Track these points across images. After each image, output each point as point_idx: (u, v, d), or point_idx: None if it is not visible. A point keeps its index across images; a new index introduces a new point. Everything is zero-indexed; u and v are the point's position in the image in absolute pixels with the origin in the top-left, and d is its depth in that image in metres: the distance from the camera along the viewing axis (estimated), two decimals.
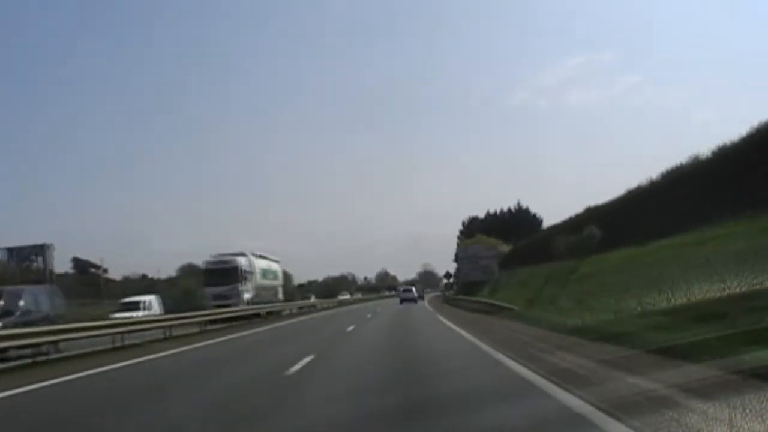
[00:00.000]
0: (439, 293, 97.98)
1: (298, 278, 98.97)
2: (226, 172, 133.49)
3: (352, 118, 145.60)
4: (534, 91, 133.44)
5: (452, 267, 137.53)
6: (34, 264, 38.91)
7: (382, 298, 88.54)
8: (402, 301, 52.48)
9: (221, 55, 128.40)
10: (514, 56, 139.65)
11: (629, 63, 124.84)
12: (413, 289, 62.67)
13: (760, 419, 4.38)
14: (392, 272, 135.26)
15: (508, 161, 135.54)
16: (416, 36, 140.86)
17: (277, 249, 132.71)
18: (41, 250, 38.40)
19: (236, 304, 32.33)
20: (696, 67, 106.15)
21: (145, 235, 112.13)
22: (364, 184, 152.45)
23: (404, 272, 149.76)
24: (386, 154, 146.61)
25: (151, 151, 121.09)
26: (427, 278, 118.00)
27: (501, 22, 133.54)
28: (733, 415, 4.55)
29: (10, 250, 39.05)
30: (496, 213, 76.62)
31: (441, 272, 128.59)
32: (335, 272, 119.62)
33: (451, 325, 20.11)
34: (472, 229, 71.19)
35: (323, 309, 50.03)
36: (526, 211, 73.80)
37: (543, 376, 7.28)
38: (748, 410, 4.59)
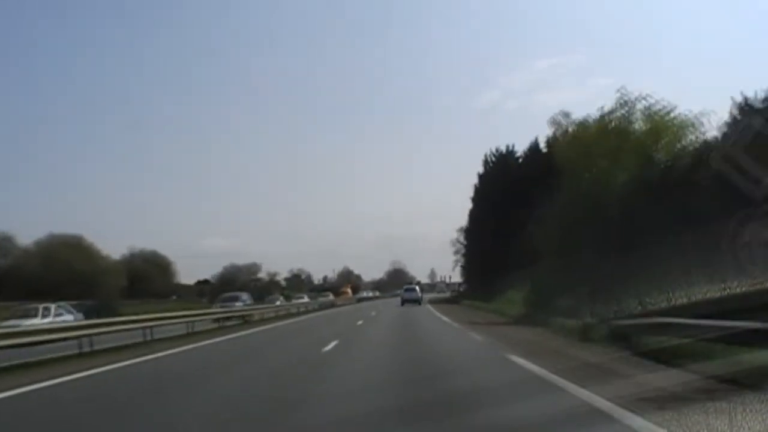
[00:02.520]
0: (438, 295, 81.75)
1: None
2: (195, 171, 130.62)
3: (322, 119, 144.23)
4: (504, 92, 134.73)
5: (428, 267, 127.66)
6: None
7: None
8: (404, 302, 46.94)
9: (193, 54, 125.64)
10: (484, 58, 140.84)
11: (600, 65, 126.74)
12: (417, 288, 55.76)
13: None
14: (357, 271, 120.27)
15: (478, 162, 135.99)
16: (388, 36, 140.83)
17: (242, 247, 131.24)
18: None
19: None
20: (666, 69, 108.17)
21: (112, 233, 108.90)
22: (334, 184, 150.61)
23: (371, 272, 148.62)
24: (356, 156, 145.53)
25: (120, 148, 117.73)
26: (398, 277, 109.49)
27: (472, 24, 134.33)
28: None
29: None
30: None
31: (413, 272, 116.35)
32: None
33: None
34: (497, 174, 43.43)
35: None
36: None
37: None
38: None
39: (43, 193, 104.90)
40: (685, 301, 9.45)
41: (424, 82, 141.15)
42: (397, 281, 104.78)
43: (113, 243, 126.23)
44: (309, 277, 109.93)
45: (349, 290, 77.75)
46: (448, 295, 73.21)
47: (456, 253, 67.38)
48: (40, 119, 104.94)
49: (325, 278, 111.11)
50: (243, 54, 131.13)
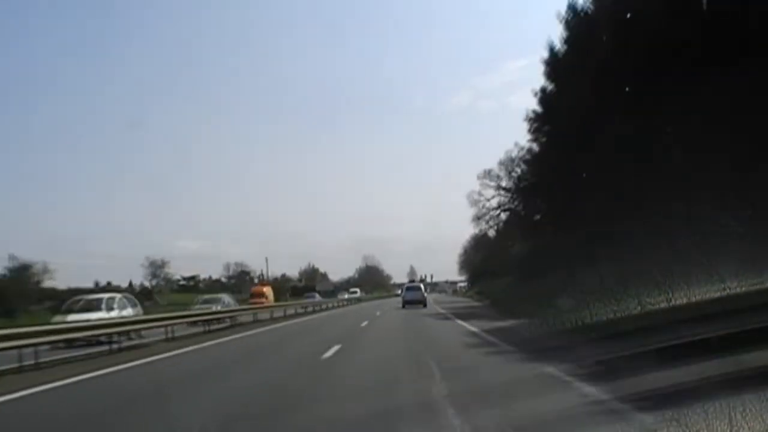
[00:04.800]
0: (442, 296, 70.11)
1: None
2: (165, 172, 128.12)
3: (294, 120, 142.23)
4: (477, 94, 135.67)
5: (404, 266, 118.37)
6: None
7: None
8: (405, 304, 39.55)
9: (154, 54, 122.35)
10: (457, 59, 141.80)
11: None
12: (421, 286, 47.07)
13: None
14: (323, 269, 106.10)
15: (451, 163, 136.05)
16: (360, 37, 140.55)
17: (212, 250, 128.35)
18: None
19: None
20: None
21: (77, 237, 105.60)
22: (307, 185, 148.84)
23: (341, 270, 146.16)
24: (328, 157, 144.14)
25: (86, 150, 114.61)
26: (371, 275, 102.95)
27: (445, 26, 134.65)
28: None
29: None
30: None
31: (389, 270, 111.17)
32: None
33: None
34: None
35: None
36: None
37: None
38: None
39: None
40: None
41: (398, 83, 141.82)
42: (369, 280, 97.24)
43: (88, 245, 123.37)
44: (261, 277, 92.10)
45: (267, 292, 47.30)
46: (468, 299, 54.76)
47: (479, 218, 43.11)
48: None
49: (282, 276, 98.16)
50: (217, 55, 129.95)
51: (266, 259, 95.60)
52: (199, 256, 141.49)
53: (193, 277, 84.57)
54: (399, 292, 73.55)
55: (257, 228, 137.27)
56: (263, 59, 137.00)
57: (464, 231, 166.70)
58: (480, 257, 56.96)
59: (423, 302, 39.46)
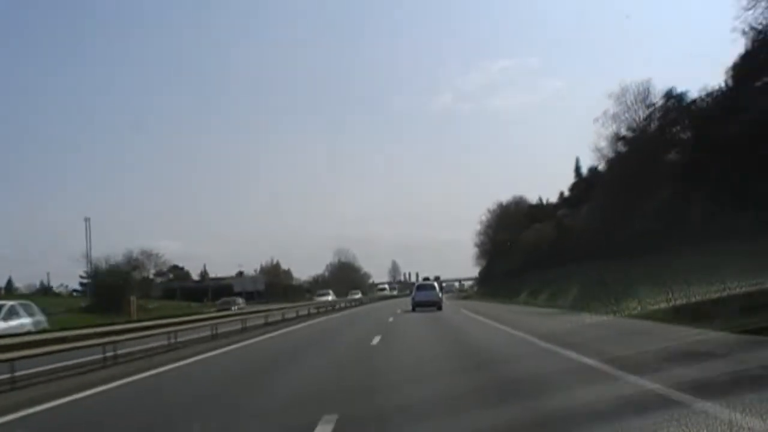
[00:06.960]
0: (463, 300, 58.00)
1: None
2: (146, 172, 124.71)
3: (276, 119, 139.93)
4: (457, 95, 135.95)
5: (385, 265, 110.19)
6: None
7: None
8: (415, 306, 34.94)
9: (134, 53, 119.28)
10: (438, 60, 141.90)
11: (553, 68, 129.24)
12: (435, 285, 40.71)
13: None
14: (291, 266, 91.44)
15: (433, 165, 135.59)
16: (342, 37, 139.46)
17: (193, 250, 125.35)
18: None
19: None
20: (619, 72, 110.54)
21: (54, 237, 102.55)
22: (287, 186, 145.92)
23: (310, 268, 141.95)
24: (308, 156, 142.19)
25: (66, 147, 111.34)
26: (345, 274, 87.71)
27: (428, 26, 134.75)
28: None
29: None
30: None
31: (368, 268, 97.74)
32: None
33: None
34: None
35: None
36: None
37: None
38: None
39: None
40: None
41: (377, 83, 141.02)
42: (343, 279, 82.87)
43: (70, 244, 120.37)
44: (205, 272, 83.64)
45: None
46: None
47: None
48: None
49: (240, 274, 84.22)
50: (201, 53, 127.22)
51: (86, 220, 56.25)
52: (180, 256, 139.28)
53: None
54: (343, 297, 65.78)
55: (235, 227, 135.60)
56: (253, 59, 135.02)
57: (456, 229, 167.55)
58: (538, 232, 42.84)
59: (438, 304, 34.94)
